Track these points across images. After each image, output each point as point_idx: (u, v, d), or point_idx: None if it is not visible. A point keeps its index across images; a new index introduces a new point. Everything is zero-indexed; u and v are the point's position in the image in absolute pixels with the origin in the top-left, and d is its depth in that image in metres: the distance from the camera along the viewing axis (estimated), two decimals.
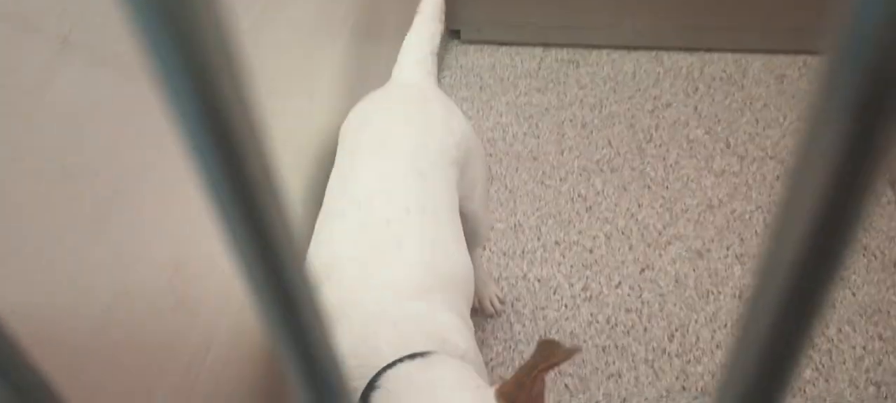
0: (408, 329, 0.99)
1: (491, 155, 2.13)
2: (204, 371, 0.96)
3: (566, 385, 1.60)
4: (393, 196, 1.12)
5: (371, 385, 0.94)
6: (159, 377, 0.85)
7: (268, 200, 0.19)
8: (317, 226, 1.17)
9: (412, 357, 0.94)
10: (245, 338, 1.08)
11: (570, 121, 2.19)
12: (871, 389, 1.52)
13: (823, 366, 1.56)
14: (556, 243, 1.88)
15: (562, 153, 2.10)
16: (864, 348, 1.58)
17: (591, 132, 2.15)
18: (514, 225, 1.94)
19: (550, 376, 1.62)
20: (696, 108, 2.17)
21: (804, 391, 1.53)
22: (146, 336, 0.82)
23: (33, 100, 0.64)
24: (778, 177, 1.96)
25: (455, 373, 0.93)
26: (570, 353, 0.88)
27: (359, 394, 0.95)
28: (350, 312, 1.00)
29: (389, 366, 0.94)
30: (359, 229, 1.10)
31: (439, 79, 2.29)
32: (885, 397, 1.50)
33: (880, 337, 1.60)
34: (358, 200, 1.13)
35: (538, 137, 2.16)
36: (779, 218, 0.18)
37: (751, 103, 2.17)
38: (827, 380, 1.54)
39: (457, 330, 1.03)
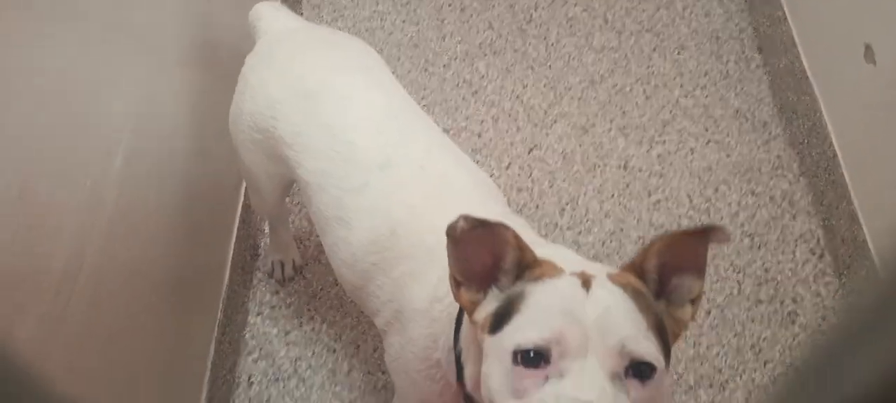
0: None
1: (371, 45, 2.04)
2: (75, 294, 0.88)
3: None
4: (402, 143, 1.03)
5: None
6: (19, 307, 0.77)
7: None
8: (335, 211, 1.01)
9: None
10: (121, 253, 1.00)
11: (449, 5, 2.13)
12: (746, 240, 1.61)
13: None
14: (445, 130, 1.84)
15: (443, 38, 2.05)
16: (738, 204, 1.67)
17: (471, 15, 2.10)
18: None
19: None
20: None
21: None
22: None
23: None
24: (654, 48, 1.99)
25: None
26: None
27: None
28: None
29: None
30: (406, 190, 0.99)
31: None
32: (759, 246, 1.60)
33: (752, 193, 1.69)
34: (372, 166, 1.00)
35: (418, 24, 2.09)
36: None
37: None
38: None
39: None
